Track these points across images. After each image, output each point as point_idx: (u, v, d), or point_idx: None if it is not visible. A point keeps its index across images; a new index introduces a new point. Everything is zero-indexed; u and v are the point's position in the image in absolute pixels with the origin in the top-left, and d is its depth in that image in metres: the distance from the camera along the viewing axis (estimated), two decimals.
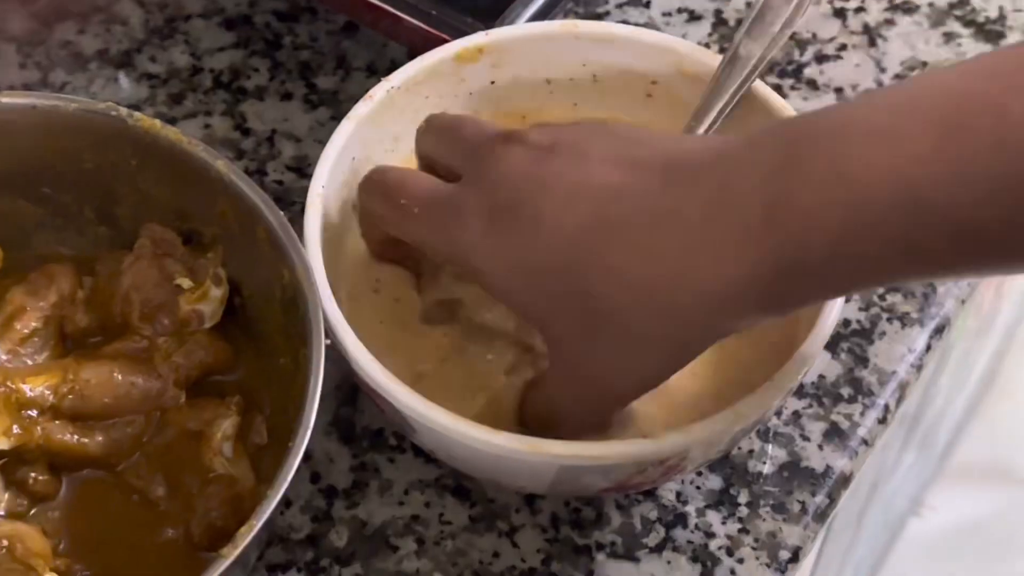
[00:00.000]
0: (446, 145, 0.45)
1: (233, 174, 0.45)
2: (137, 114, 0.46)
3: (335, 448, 0.48)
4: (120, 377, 0.45)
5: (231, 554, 0.37)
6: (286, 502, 0.46)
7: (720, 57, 0.49)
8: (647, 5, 0.59)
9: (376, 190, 0.45)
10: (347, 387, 0.49)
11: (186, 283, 0.46)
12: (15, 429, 0.43)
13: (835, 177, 0.35)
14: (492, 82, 0.51)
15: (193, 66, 0.57)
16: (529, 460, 0.42)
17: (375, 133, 0.49)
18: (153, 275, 0.46)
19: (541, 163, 0.41)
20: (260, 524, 0.38)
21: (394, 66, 0.55)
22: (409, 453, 0.48)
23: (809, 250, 0.36)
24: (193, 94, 0.56)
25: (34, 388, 0.44)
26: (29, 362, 0.46)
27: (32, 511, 0.43)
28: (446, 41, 0.51)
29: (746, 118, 0.48)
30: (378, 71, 0.57)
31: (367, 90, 0.50)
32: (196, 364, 0.46)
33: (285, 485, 0.38)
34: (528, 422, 0.44)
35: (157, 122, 0.46)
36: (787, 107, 0.48)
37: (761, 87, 0.48)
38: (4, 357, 0.45)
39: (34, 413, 0.44)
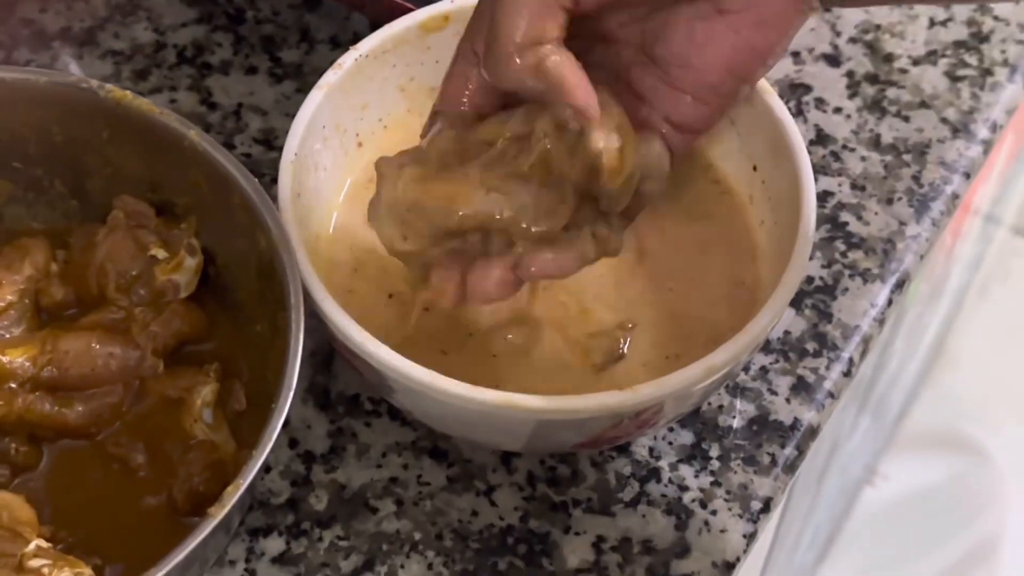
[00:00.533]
0: None
1: (206, 143, 0.45)
2: (108, 86, 0.46)
3: (312, 414, 0.49)
4: (98, 347, 0.45)
5: (218, 513, 0.38)
6: (266, 468, 0.47)
7: None
8: None
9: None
10: (322, 354, 0.50)
11: (161, 254, 0.47)
12: None
13: None
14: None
15: (157, 42, 0.57)
16: (508, 416, 0.43)
17: (344, 100, 0.50)
18: (128, 246, 0.47)
19: None
20: (246, 484, 0.38)
21: (357, 38, 0.55)
22: (385, 417, 0.49)
23: None
24: (158, 70, 0.57)
25: (13, 360, 0.44)
26: (6, 335, 0.46)
27: (15, 482, 0.43)
28: (411, 10, 0.51)
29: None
30: (341, 43, 0.58)
31: (331, 62, 0.50)
32: (173, 333, 0.46)
33: (269, 445, 0.39)
34: None
35: (128, 94, 0.46)
36: (770, 91, 0.48)
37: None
38: None
39: (14, 385, 0.44)
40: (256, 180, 0.45)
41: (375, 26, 0.53)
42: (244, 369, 0.46)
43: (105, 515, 0.43)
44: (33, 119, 0.47)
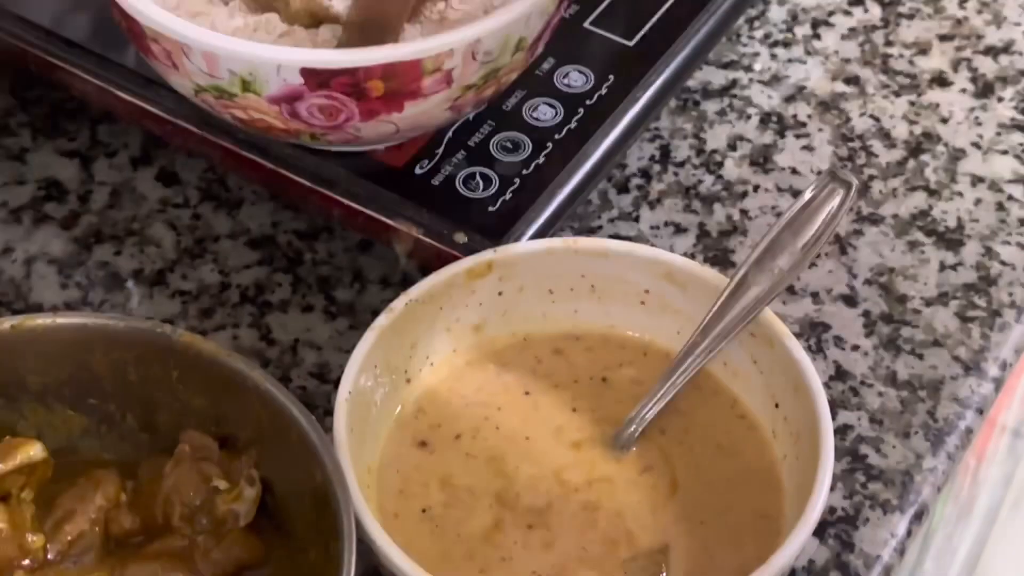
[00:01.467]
0: None
1: (268, 383, 0.49)
2: (180, 330, 0.50)
3: None
4: (163, 575, 0.48)
5: None
6: None
7: (706, 268, 0.55)
8: (636, 219, 0.65)
9: None
10: None
11: (222, 484, 0.50)
12: None
13: None
14: (500, 293, 0.56)
15: (221, 282, 0.62)
16: None
17: (395, 340, 0.54)
18: (193, 479, 0.50)
19: None
20: None
21: (406, 279, 0.60)
22: None
23: None
24: (222, 308, 0.61)
25: None
26: (76, 564, 0.49)
27: None
28: (457, 258, 0.56)
29: (749, 339, 0.53)
30: (391, 284, 0.62)
31: (382, 301, 0.55)
32: (232, 560, 0.49)
33: None
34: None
35: (198, 337, 0.50)
36: (788, 334, 0.53)
37: (767, 313, 0.53)
38: (53, 558, 0.49)
39: None
40: (312, 417, 0.49)
41: (423, 268, 0.58)
42: None
43: None
44: (110, 359, 0.51)
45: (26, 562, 0.49)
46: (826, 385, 0.57)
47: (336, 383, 0.56)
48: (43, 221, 0.64)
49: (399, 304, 0.54)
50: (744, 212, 0.65)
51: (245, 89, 0.53)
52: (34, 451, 0.50)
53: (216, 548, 0.49)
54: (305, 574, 0.49)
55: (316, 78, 0.52)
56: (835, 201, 0.55)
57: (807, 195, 0.55)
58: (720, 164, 0.67)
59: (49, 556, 0.49)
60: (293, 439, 0.49)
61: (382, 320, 0.53)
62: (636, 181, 0.66)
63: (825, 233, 0.55)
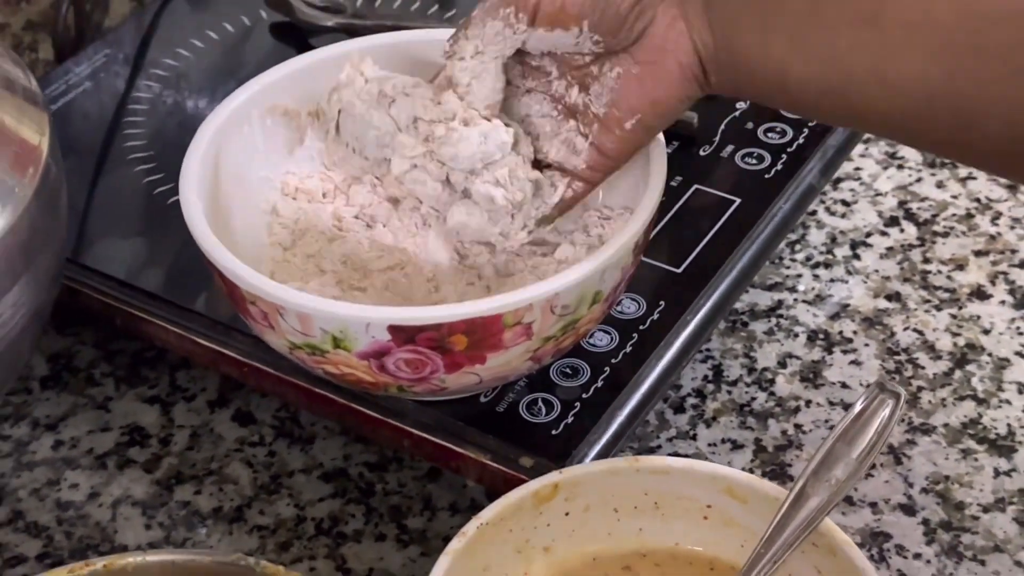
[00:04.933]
0: None
1: None
2: (263, 562, 0.52)
3: None
4: None
5: None
6: None
7: (765, 482, 0.57)
8: (694, 438, 0.67)
9: None
10: None
11: None
12: None
13: None
14: (566, 513, 0.58)
15: (297, 516, 0.64)
16: None
17: (468, 564, 0.55)
18: None
19: None
20: None
21: (474, 504, 0.62)
22: None
23: None
24: (298, 541, 0.63)
25: None
26: None
27: None
28: (523, 481, 0.58)
29: (812, 549, 0.55)
30: (460, 510, 0.64)
31: (451, 528, 0.57)
32: None
33: None
34: None
35: (281, 568, 0.52)
36: (850, 542, 0.54)
37: (827, 523, 0.55)
38: None
39: None
40: None
41: (491, 493, 0.60)
42: None
43: None
44: None
45: None
46: None
47: None
48: (127, 465, 0.67)
49: (471, 528, 0.56)
50: (798, 427, 0.67)
51: (336, 346, 0.56)
52: None
53: None
54: None
55: (403, 334, 0.55)
56: (885, 412, 0.57)
57: (858, 407, 0.57)
58: (772, 381, 0.69)
59: None
60: None
61: (455, 544, 0.55)
62: (691, 400, 0.68)
63: (878, 443, 0.56)
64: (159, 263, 0.70)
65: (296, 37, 0.83)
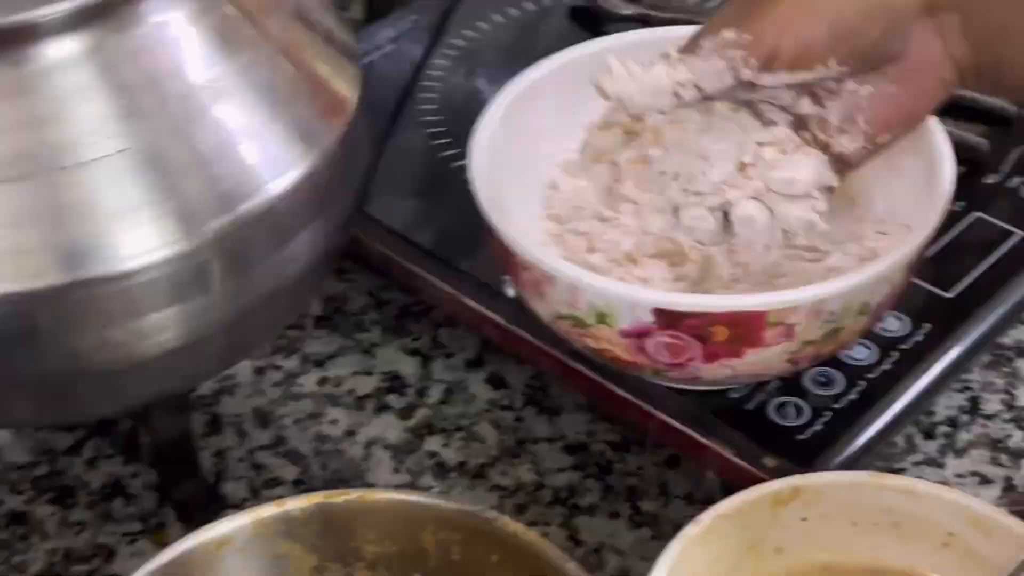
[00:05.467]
0: None
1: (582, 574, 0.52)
2: (504, 517, 0.54)
3: None
4: None
5: None
6: None
7: (1013, 518, 0.55)
8: (941, 466, 0.66)
9: None
10: None
11: None
12: None
13: None
14: (803, 519, 0.58)
15: (536, 482, 0.66)
16: None
17: (698, 553, 0.56)
18: None
19: None
20: None
21: (710, 497, 0.62)
22: None
23: None
24: (535, 506, 0.65)
25: None
26: None
27: None
28: (763, 480, 0.59)
29: None
30: (695, 501, 0.65)
31: (685, 516, 0.58)
32: None
33: None
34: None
35: (521, 526, 0.54)
36: None
37: None
38: None
39: None
40: None
41: (727, 489, 0.60)
42: None
43: None
44: (438, 538, 0.55)
45: None
46: None
47: None
48: (383, 410, 0.70)
49: (707, 517, 0.56)
50: None
51: (600, 321, 0.58)
52: None
53: None
54: None
55: (666, 318, 0.56)
56: None
57: None
58: None
59: None
60: None
61: (690, 530, 0.56)
62: (943, 429, 0.67)
63: None
64: (436, 222, 0.73)
65: (592, 22, 0.84)
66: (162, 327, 0.55)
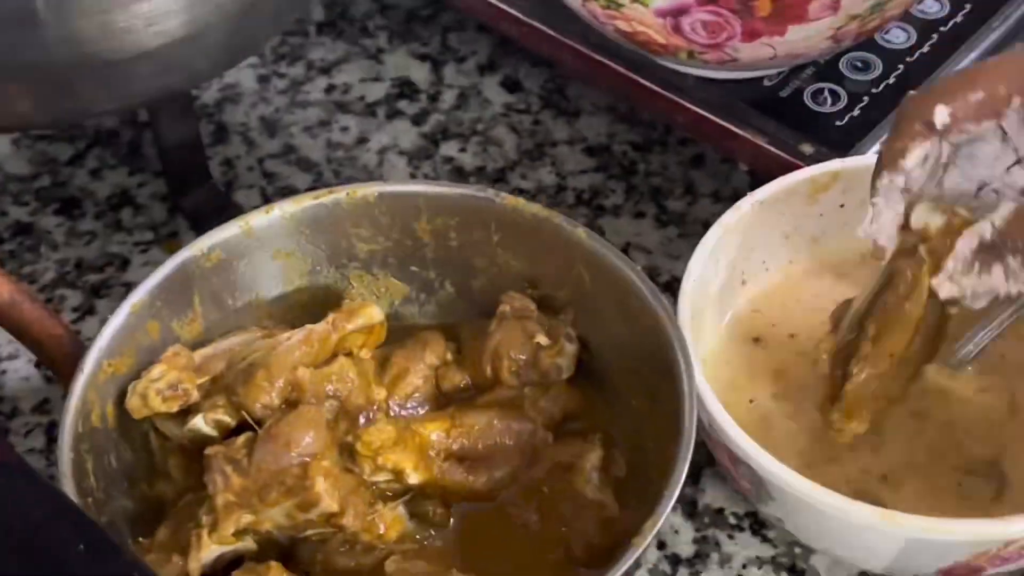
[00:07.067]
0: None
1: (595, 241, 0.50)
2: (504, 193, 0.52)
3: (679, 521, 0.52)
4: (497, 422, 0.50)
5: (640, 544, 0.43)
6: (636, 564, 0.50)
7: None
8: None
9: None
10: (690, 469, 0.53)
11: (544, 341, 0.52)
12: (422, 467, 0.49)
13: None
14: (841, 205, 0.56)
15: (558, 184, 0.64)
16: (882, 531, 0.45)
17: (736, 240, 0.54)
18: (517, 336, 0.52)
19: None
20: (660, 521, 0.44)
21: (736, 194, 0.60)
22: (747, 532, 0.52)
23: None
24: (558, 207, 0.62)
25: (431, 433, 0.50)
26: (417, 413, 0.51)
27: (429, 537, 0.49)
28: (800, 167, 0.56)
29: None
30: (722, 198, 0.63)
31: (712, 214, 0.55)
32: (559, 409, 0.51)
33: (672, 499, 0.44)
34: None
35: (521, 200, 0.52)
36: None
37: None
38: (393, 410, 0.52)
39: (432, 454, 0.49)
40: (640, 270, 0.50)
41: (754, 182, 0.58)
42: (620, 441, 0.50)
43: (507, 566, 0.47)
44: (434, 226, 0.53)
45: (371, 412, 0.51)
46: None
47: (664, 285, 0.57)
48: (396, 116, 0.67)
49: (745, 204, 0.54)
50: None
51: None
52: (374, 313, 0.52)
53: (543, 398, 0.51)
54: (626, 422, 0.50)
55: None
56: None
57: None
58: None
59: (390, 408, 0.52)
60: (619, 295, 0.50)
61: (728, 218, 0.54)
62: None
63: None
64: None
65: None
66: (166, 12, 0.52)
